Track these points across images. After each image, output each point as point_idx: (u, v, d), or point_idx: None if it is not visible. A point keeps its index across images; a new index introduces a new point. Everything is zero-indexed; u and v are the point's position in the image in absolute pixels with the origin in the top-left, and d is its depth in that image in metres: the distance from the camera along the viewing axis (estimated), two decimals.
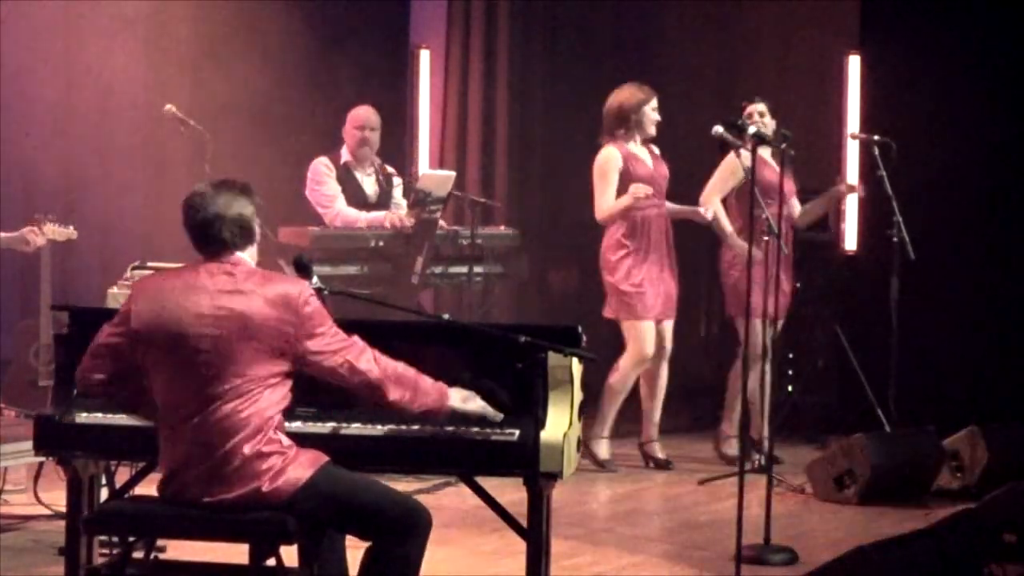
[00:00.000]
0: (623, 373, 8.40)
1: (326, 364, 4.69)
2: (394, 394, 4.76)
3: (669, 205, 8.54)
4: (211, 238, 4.75)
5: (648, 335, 8.36)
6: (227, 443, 4.60)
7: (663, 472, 8.52)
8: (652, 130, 8.43)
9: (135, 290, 4.85)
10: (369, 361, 4.74)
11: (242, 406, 4.61)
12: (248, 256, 4.78)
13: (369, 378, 4.73)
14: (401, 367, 4.79)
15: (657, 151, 8.56)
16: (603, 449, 8.49)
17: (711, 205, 8.48)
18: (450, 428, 4.93)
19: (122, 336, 4.74)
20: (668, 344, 8.50)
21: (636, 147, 8.44)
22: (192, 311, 4.66)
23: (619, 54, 11.35)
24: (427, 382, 4.82)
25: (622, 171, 8.35)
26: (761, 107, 8.43)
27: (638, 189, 8.25)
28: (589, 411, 8.36)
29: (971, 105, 9.53)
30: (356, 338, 4.76)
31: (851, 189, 8.85)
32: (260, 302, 4.65)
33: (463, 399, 4.87)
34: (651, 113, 8.42)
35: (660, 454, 8.63)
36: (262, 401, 4.64)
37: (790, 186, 8.40)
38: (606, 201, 8.35)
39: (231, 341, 4.62)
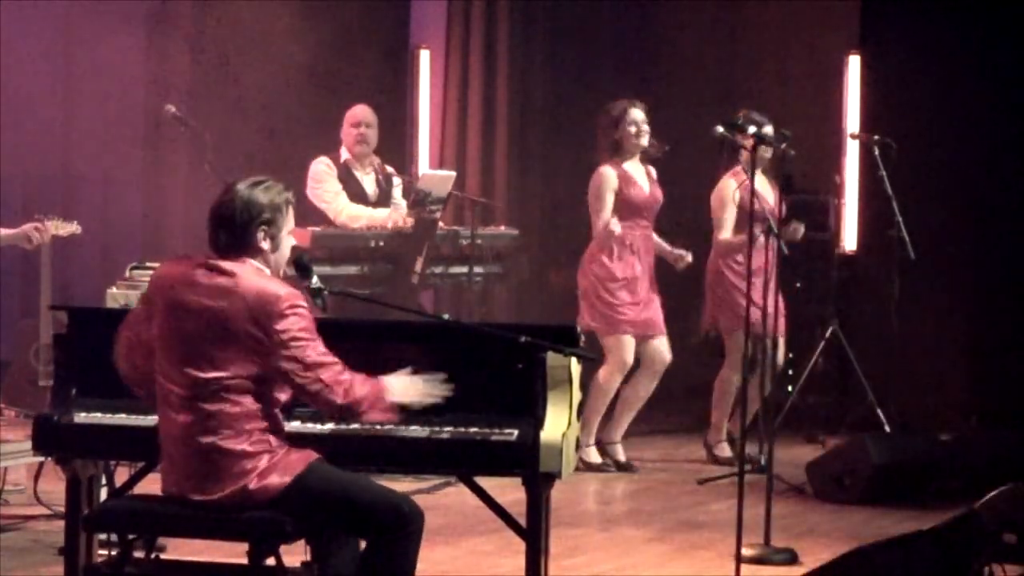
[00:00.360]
0: (605, 383, 8.33)
1: (294, 379, 4.63)
2: (353, 414, 4.74)
3: (656, 240, 8.52)
4: (229, 231, 4.73)
5: (628, 347, 8.33)
6: (214, 441, 4.60)
7: (658, 471, 8.50)
8: (639, 142, 8.33)
9: (153, 274, 4.89)
10: (341, 391, 4.66)
11: (228, 405, 4.61)
12: (260, 261, 4.75)
13: (335, 406, 4.68)
14: (358, 385, 4.70)
15: (655, 174, 8.50)
16: (593, 455, 8.47)
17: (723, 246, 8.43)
18: (449, 428, 4.93)
19: (140, 315, 4.78)
20: (667, 358, 8.46)
21: (633, 166, 8.40)
22: (180, 305, 4.67)
23: (619, 54, 11.34)
24: (375, 394, 4.73)
25: (617, 191, 8.31)
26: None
27: (615, 227, 8.22)
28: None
29: (971, 105, 9.53)
30: (334, 361, 4.67)
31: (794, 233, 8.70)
32: (240, 306, 4.62)
33: (403, 391, 4.79)
34: (629, 127, 8.34)
35: (621, 456, 8.59)
36: (245, 401, 4.63)
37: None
38: (602, 221, 8.29)
39: (213, 339, 4.62)
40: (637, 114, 8.36)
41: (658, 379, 8.50)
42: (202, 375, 4.61)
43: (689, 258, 8.46)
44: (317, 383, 4.63)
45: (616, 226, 8.19)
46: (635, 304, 8.33)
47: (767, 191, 8.15)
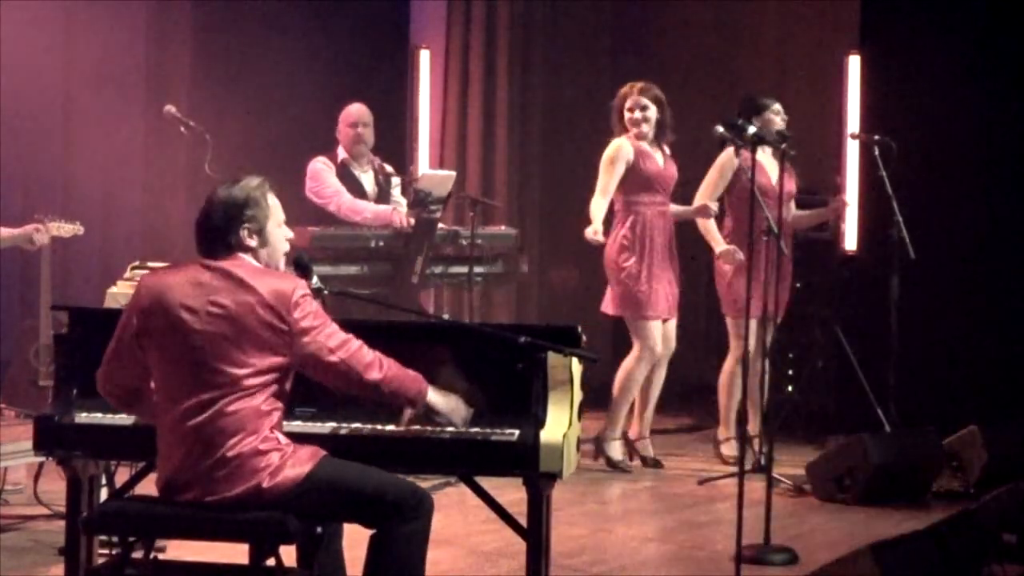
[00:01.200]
0: (631, 371, 8.36)
1: (323, 360, 4.69)
2: (383, 392, 4.77)
3: (674, 207, 8.54)
4: (213, 235, 4.74)
5: (656, 333, 8.35)
6: (225, 442, 4.60)
7: (658, 471, 8.50)
8: (637, 131, 8.34)
9: (139, 285, 4.85)
10: (368, 363, 4.72)
11: (238, 405, 4.62)
12: (252, 257, 4.77)
13: (365, 381, 4.73)
14: (389, 362, 4.77)
15: (668, 151, 8.53)
16: (616, 450, 8.48)
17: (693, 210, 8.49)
18: (450, 429, 4.93)
19: (126, 331, 4.76)
20: (672, 344, 8.49)
21: (648, 145, 8.42)
22: (187, 307, 4.66)
23: (619, 54, 11.35)
24: (411, 374, 4.82)
25: (631, 165, 8.34)
26: (778, 106, 8.45)
27: (594, 236, 8.21)
28: (600, 412, 8.43)
29: (971, 105, 9.52)
30: (352, 336, 4.75)
31: (844, 203, 8.84)
32: (253, 300, 4.64)
33: (440, 394, 4.86)
34: (627, 111, 8.38)
35: (650, 452, 8.61)
36: (258, 400, 4.64)
37: (790, 187, 8.39)
38: (600, 191, 8.31)
39: (224, 339, 4.62)
40: (637, 99, 8.38)
41: (664, 364, 8.49)
42: (219, 376, 4.61)
43: (714, 207, 8.44)
44: (345, 363, 4.69)
45: (596, 234, 8.20)
46: (655, 283, 8.33)
47: (772, 172, 8.14)
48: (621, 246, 8.36)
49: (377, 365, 4.74)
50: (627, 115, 8.39)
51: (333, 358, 4.69)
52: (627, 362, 8.39)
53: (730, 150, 8.36)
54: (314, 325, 4.67)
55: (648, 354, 8.36)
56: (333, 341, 4.69)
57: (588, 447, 8.50)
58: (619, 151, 8.36)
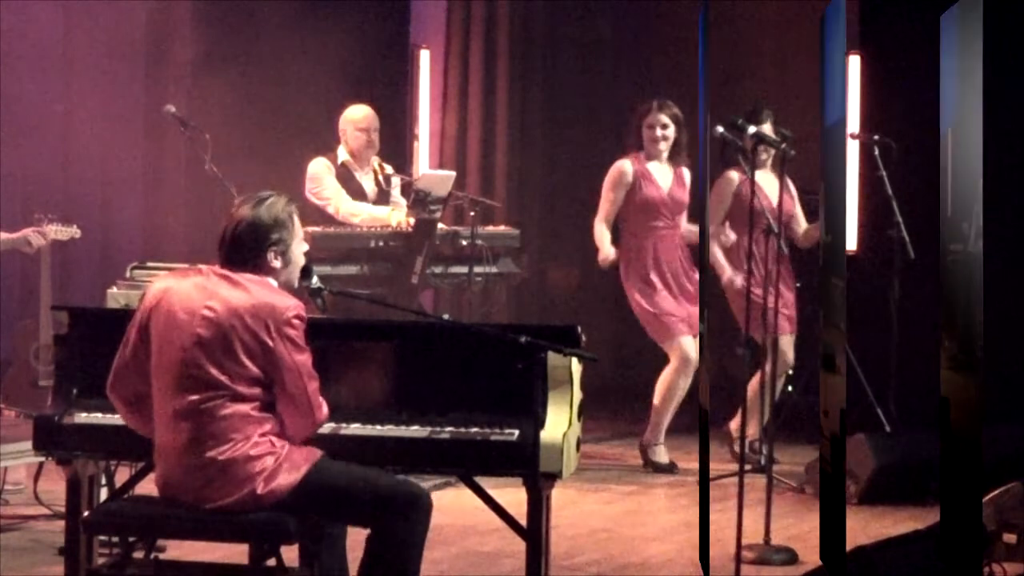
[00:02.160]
0: (670, 383, 8.42)
1: (296, 383, 4.68)
2: (312, 433, 4.82)
3: (686, 227, 8.48)
4: (238, 254, 4.76)
5: (688, 345, 8.35)
6: (215, 447, 4.62)
7: (665, 475, 8.51)
8: (653, 149, 8.33)
9: (149, 286, 4.88)
10: (320, 403, 4.76)
11: (228, 410, 4.63)
12: (273, 278, 4.77)
13: (315, 416, 4.75)
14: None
15: (687, 176, 8.47)
16: (662, 455, 8.53)
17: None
18: (450, 428, 4.93)
19: (133, 330, 4.78)
20: (696, 358, 8.47)
21: (657, 166, 8.38)
22: (185, 309, 4.69)
23: (619, 55, 11.35)
24: None
25: (631, 188, 8.31)
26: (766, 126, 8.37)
27: (605, 261, 8.27)
28: (598, 414, 8.44)
29: None
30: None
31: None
32: (244, 310, 4.66)
33: None
34: (646, 129, 8.35)
35: (664, 458, 8.60)
36: (248, 405, 4.65)
37: (789, 207, 8.35)
38: (601, 216, 8.34)
39: (212, 343, 4.64)
40: (657, 117, 8.34)
41: (690, 377, 8.49)
42: (209, 380, 4.63)
43: (730, 236, 8.34)
44: (306, 394, 4.70)
45: (607, 260, 8.22)
46: (673, 305, 8.33)
47: (771, 189, 8.13)
48: (636, 274, 8.35)
49: (321, 408, 4.77)
50: (646, 132, 8.36)
51: (304, 385, 4.69)
52: (666, 373, 8.44)
53: (727, 172, 8.37)
54: (298, 346, 4.68)
55: (684, 365, 8.37)
56: (307, 371, 4.71)
57: (588, 447, 8.51)
58: (619, 177, 8.32)
